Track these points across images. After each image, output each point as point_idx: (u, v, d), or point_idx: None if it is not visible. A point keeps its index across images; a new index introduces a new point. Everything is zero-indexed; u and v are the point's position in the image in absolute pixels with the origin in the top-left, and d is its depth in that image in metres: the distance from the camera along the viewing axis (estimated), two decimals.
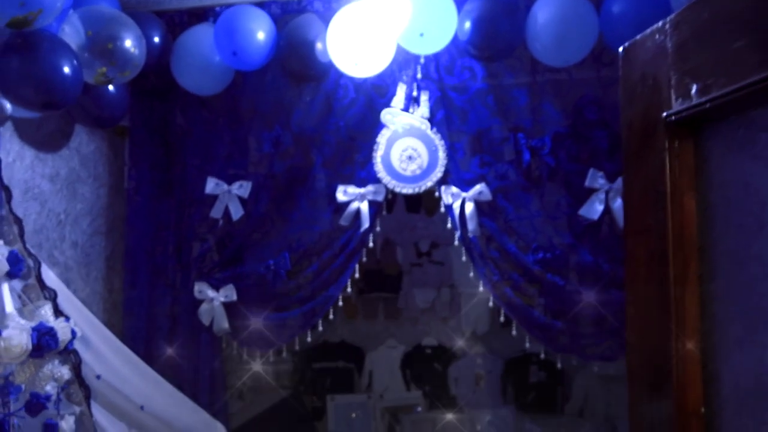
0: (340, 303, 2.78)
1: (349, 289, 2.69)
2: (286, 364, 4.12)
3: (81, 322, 1.72)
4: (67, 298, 1.70)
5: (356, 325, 4.11)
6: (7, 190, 1.61)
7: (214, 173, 2.71)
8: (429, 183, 2.55)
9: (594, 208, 2.37)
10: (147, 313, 2.69)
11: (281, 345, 2.68)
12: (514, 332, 2.57)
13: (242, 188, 2.68)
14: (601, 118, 2.39)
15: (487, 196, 2.47)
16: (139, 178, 2.81)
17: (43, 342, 1.43)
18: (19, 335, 1.39)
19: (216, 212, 2.69)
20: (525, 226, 2.46)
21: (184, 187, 2.80)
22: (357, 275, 2.71)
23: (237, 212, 2.66)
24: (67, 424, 1.58)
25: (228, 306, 2.65)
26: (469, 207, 2.47)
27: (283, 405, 3.81)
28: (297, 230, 2.66)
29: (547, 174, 2.46)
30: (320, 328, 2.77)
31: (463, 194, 2.49)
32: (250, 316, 2.63)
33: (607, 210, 2.34)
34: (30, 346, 1.40)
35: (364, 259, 2.67)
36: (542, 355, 3.16)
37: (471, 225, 2.46)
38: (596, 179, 2.35)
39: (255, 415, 3.38)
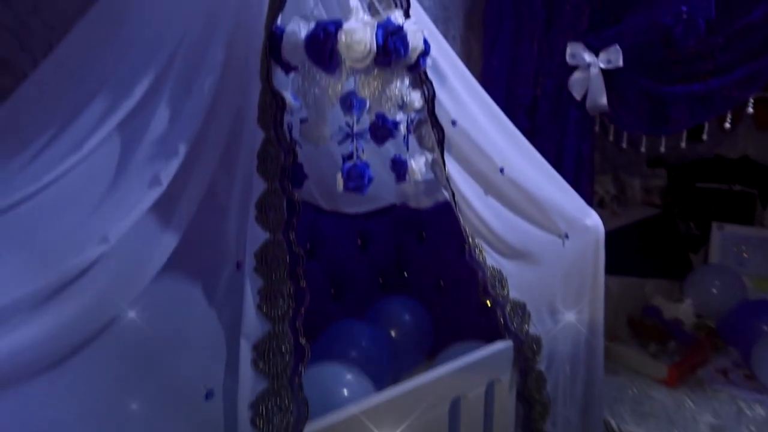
0: (750, 108, 1.91)
1: None
2: (660, 179, 3.35)
3: (435, 51, 1.33)
4: (417, 12, 1.30)
5: None
6: None
7: None
8: None
9: None
10: (506, 82, 2.25)
11: (682, 129, 1.95)
12: None
13: None
14: None
15: None
16: None
17: (390, 44, 1.07)
18: (362, 29, 1.05)
19: None
20: None
21: None
22: None
23: None
24: (416, 164, 1.29)
25: (608, 75, 2.00)
26: None
27: (650, 224, 3.15)
28: None
29: None
30: (705, 136, 1.95)
31: None
32: (638, 90, 1.94)
33: None
34: (374, 47, 1.05)
35: None
36: None
37: None
38: None
39: (616, 228, 2.83)
